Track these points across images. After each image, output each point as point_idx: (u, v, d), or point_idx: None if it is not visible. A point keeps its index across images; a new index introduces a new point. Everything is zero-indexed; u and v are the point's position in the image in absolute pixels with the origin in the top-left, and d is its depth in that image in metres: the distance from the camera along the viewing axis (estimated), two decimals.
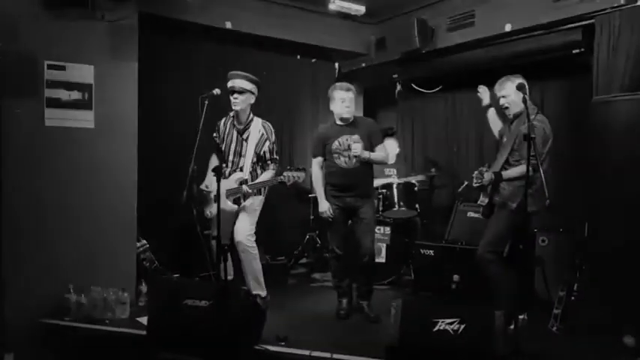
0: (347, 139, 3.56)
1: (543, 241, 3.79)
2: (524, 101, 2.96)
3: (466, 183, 4.92)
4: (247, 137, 3.68)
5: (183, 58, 4.65)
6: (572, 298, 3.23)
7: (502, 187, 3.26)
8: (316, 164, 3.70)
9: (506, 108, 3.33)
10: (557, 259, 3.69)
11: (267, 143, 3.68)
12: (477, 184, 3.33)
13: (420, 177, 4.92)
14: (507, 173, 3.24)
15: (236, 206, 3.64)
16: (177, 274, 4.11)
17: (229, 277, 3.42)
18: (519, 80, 3.22)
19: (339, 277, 3.77)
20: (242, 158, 3.68)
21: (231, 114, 3.74)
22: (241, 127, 3.69)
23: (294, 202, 5.44)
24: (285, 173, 3.41)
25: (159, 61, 4.42)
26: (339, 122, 3.64)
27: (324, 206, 3.61)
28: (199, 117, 3.25)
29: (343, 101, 3.56)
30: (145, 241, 3.95)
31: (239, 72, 3.64)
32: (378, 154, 3.62)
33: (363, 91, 5.85)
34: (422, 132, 5.76)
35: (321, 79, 5.63)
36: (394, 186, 4.58)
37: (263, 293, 3.72)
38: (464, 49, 4.46)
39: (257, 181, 3.62)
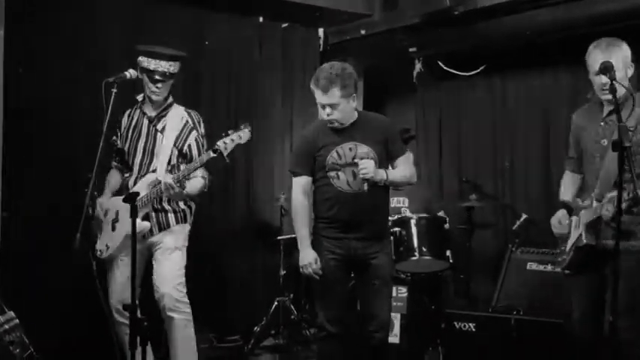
0: (351, 149, 3.54)
1: None
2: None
3: (524, 217, 4.94)
4: (164, 128, 3.78)
5: (78, 22, 4.61)
6: None
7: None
8: (300, 188, 3.61)
9: (611, 91, 3.05)
10: None
11: (195, 134, 3.81)
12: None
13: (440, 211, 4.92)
14: None
15: (147, 225, 3.68)
16: None
17: None
18: (627, 49, 3.21)
19: None
20: (155, 159, 3.76)
21: (139, 98, 3.86)
22: (155, 113, 3.81)
23: (253, 248, 5.43)
24: (218, 142, 3.47)
25: (41, 27, 4.39)
26: None
27: (308, 256, 3.53)
28: (104, 112, 3.24)
29: (324, 107, 3.49)
30: (12, 314, 3.78)
31: (160, 48, 3.71)
32: (400, 171, 3.62)
33: (363, 72, 5.84)
34: (455, 136, 5.78)
35: (296, 53, 5.69)
36: (412, 222, 4.59)
37: None
38: (520, 10, 4.52)
39: (184, 168, 3.65)
